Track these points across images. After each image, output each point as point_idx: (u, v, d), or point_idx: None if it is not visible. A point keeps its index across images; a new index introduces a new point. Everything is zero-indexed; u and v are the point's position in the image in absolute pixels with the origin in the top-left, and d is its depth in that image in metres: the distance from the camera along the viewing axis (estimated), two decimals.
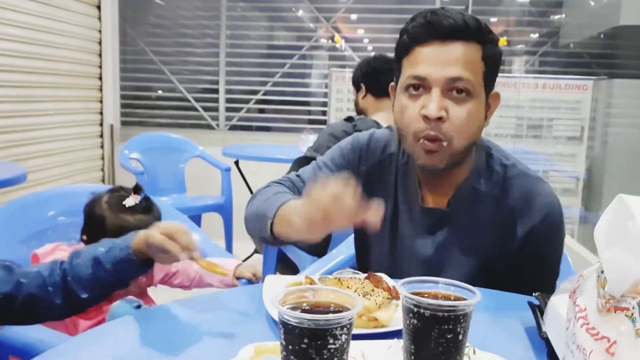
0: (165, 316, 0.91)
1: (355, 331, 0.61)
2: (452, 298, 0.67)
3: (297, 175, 1.20)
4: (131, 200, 1.36)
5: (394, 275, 1.04)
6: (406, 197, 1.13)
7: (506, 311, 0.94)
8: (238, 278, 1.55)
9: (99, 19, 4.13)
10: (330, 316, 0.57)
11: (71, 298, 0.94)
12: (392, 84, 1.10)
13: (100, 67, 4.20)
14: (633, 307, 0.55)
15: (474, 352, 0.73)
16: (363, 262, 1.25)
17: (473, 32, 0.99)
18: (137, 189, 1.38)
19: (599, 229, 0.62)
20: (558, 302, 0.72)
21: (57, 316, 0.97)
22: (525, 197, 1.06)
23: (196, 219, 3.53)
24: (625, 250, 0.59)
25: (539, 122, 3.89)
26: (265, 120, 4.56)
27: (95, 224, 1.36)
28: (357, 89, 2.35)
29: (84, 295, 0.94)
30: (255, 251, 3.62)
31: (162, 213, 1.65)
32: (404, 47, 1.04)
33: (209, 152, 3.72)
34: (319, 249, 1.72)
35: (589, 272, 0.66)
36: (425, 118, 0.99)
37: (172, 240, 0.91)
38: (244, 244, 3.32)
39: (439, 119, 0.98)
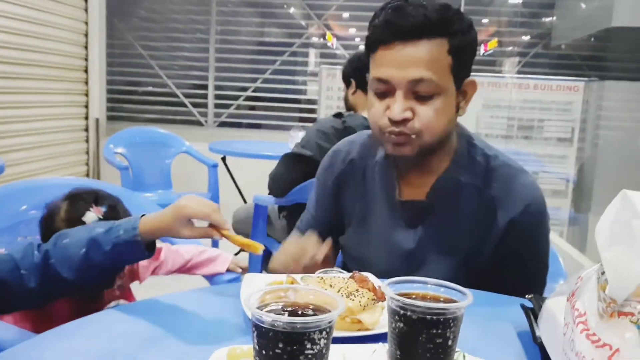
0: (138, 315, 0.85)
1: (337, 334, 0.57)
2: (442, 300, 0.62)
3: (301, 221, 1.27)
4: (92, 215, 1.16)
5: (371, 270, 1.01)
6: (384, 192, 1.12)
7: (497, 314, 0.89)
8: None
9: (86, 10, 4.05)
10: (308, 319, 0.52)
11: (50, 281, 0.88)
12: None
13: (87, 59, 4.11)
14: (639, 312, 0.51)
15: (464, 358, 0.68)
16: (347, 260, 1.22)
17: (435, 26, 0.95)
18: (98, 200, 1.19)
19: (600, 227, 0.58)
20: (554, 305, 0.68)
21: (30, 303, 0.91)
22: (506, 188, 1.03)
23: None
24: (629, 250, 0.55)
25: (529, 123, 3.86)
26: (255, 117, 4.50)
27: None
28: (347, 84, 2.30)
29: (70, 278, 0.88)
30: (241, 249, 3.56)
31: (145, 211, 1.58)
32: (369, 46, 1.02)
33: (196, 149, 3.66)
34: None
35: (588, 273, 0.61)
36: (390, 119, 0.98)
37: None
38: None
39: (405, 120, 0.97)
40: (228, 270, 1.49)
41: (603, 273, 0.57)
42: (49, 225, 1.20)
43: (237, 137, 4.29)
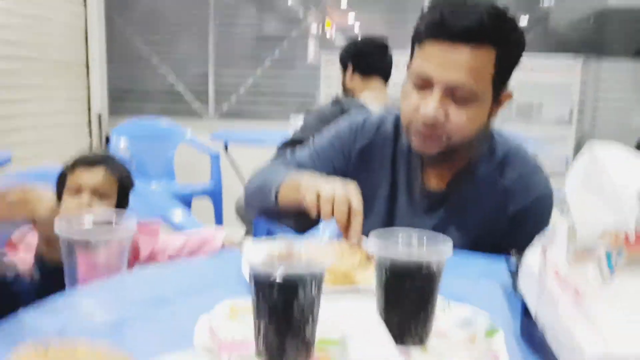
0: (144, 281, 0.90)
1: (331, 288, 0.61)
2: (424, 250, 0.67)
3: (293, 155, 1.22)
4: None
5: None
6: (407, 179, 1.14)
7: (484, 270, 0.95)
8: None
9: (85, 5, 4.08)
10: (301, 270, 0.57)
11: None
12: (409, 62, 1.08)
13: (87, 54, 4.15)
14: (600, 256, 0.56)
15: (449, 305, 0.73)
16: None
17: (488, 34, 0.94)
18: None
19: (570, 176, 0.63)
20: (531, 258, 0.73)
21: None
22: (520, 181, 1.08)
23: (186, 206, 3.51)
24: (594, 199, 0.59)
25: (528, 104, 3.89)
26: (255, 106, 4.53)
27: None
28: (344, 67, 2.34)
29: None
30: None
31: (154, 200, 1.62)
32: (418, 34, 1.01)
33: (198, 140, 3.70)
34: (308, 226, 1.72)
35: (560, 223, 0.66)
36: (422, 116, 0.99)
37: None
38: (234, 230, 3.32)
39: (436, 119, 0.99)
40: (223, 247, 1.54)
41: (572, 222, 0.62)
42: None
43: (238, 128, 4.32)
